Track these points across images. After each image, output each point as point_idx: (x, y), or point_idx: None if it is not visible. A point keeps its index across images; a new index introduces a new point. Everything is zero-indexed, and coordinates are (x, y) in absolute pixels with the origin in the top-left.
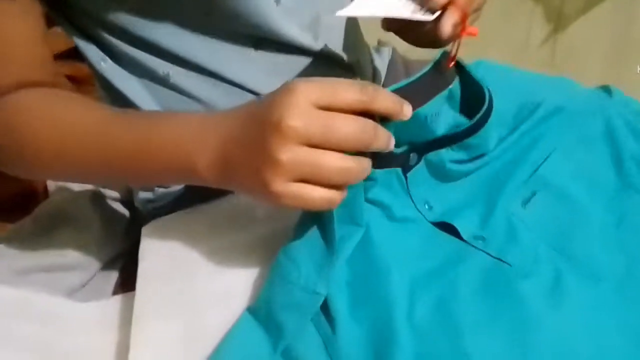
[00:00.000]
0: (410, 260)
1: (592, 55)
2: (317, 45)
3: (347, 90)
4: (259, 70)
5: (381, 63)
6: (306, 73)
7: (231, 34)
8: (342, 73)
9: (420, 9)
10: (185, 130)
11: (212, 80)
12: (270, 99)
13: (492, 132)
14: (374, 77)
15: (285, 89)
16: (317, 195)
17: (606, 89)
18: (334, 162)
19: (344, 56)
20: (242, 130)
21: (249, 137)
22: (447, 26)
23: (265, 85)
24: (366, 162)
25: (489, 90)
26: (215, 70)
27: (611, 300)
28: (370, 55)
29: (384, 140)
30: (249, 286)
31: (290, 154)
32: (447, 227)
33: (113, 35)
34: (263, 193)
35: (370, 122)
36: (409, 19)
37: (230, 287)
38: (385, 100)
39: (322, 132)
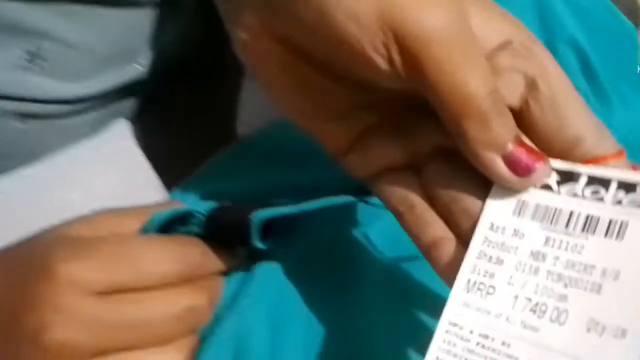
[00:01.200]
0: None
1: None
2: None
3: (157, 264)
4: None
5: None
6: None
7: None
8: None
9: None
10: None
11: None
12: (18, 277)
13: None
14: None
15: (40, 270)
16: None
17: None
18: None
19: None
20: None
21: None
22: None
23: None
24: None
25: None
26: None
27: None
28: None
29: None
30: None
31: None
32: None
33: None
34: None
35: (196, 304)
36: None
37: None
38: (217, 263)
39: (110, 336)
